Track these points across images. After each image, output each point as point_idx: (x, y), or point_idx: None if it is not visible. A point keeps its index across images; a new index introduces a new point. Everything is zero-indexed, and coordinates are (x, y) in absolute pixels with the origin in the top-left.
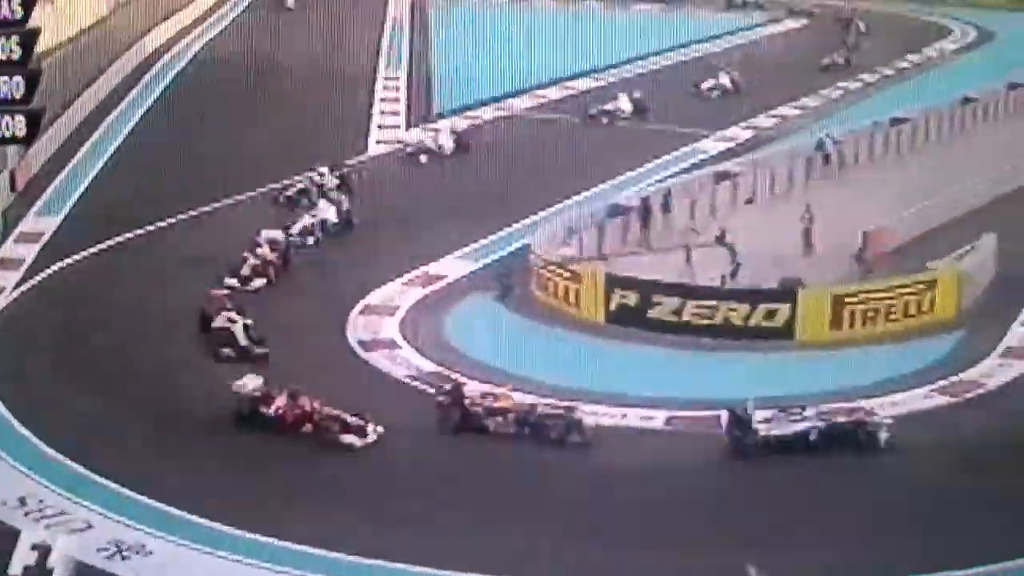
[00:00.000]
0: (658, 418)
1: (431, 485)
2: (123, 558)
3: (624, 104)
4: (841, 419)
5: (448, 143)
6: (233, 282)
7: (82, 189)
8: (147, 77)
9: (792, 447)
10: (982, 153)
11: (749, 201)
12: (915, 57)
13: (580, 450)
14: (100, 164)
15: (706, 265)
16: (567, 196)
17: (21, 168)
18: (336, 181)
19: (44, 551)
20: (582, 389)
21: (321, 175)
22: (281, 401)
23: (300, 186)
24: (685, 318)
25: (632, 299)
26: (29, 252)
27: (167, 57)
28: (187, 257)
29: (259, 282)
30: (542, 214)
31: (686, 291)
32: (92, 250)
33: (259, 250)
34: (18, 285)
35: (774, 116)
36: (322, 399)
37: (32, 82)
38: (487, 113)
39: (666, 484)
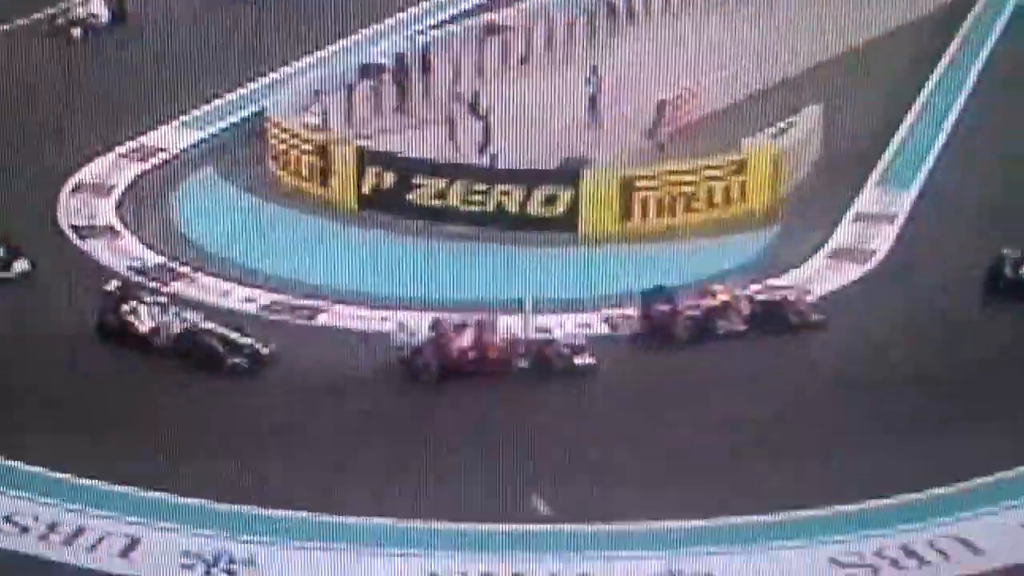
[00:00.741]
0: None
1: None
2: None
3: None
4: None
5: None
6: None
7: None
8: None
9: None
10: (802, 8)
11: (524, 60)
12: None
13: None
14: None
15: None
16: (308, 52)
17: None
18: None
19: None
20: (329, 286)
21: None
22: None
23: None
24: (450, 202)
25: (389, 179)
26: None
27: None
28: None
29: None
30: (276, 74)
31: (451, 170)
32: None
33: None
34: None
35: None
36: None
37: None
38: None
39: None
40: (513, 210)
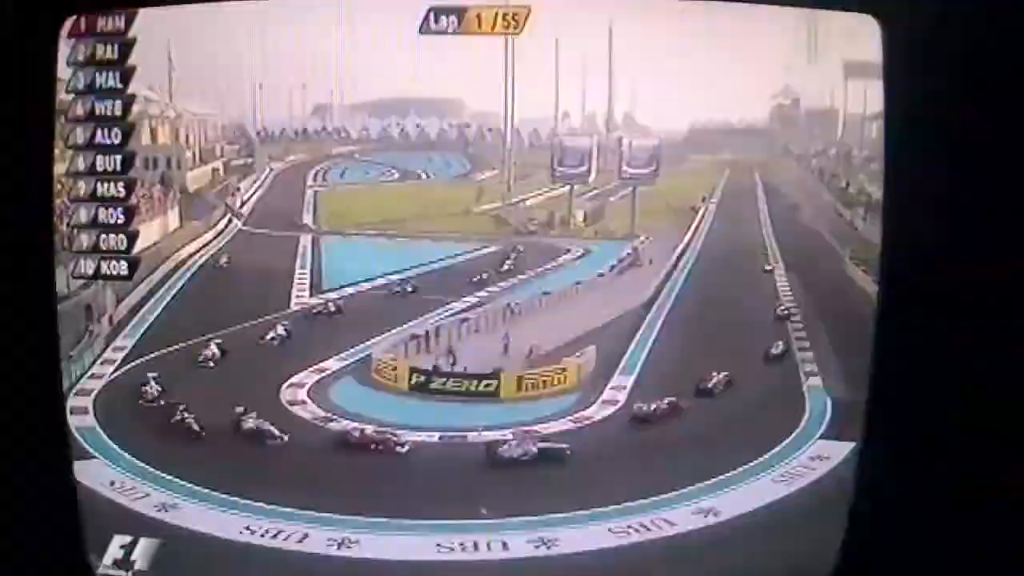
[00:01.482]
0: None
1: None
2: None
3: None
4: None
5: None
6: None
7: None
8: None
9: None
10: (587, 306)
11: (477, 330)
12: (553, 263)
13: None
14: None
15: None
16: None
17: None
18: None
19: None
20: (397, 423)
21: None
22: None
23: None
24: (447, 387)
25: (422, 378)
26: None
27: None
28: None
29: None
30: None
31: (447, 374)
32: None
33: None
34: None
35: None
36: None
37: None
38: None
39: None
40: (473, 389)
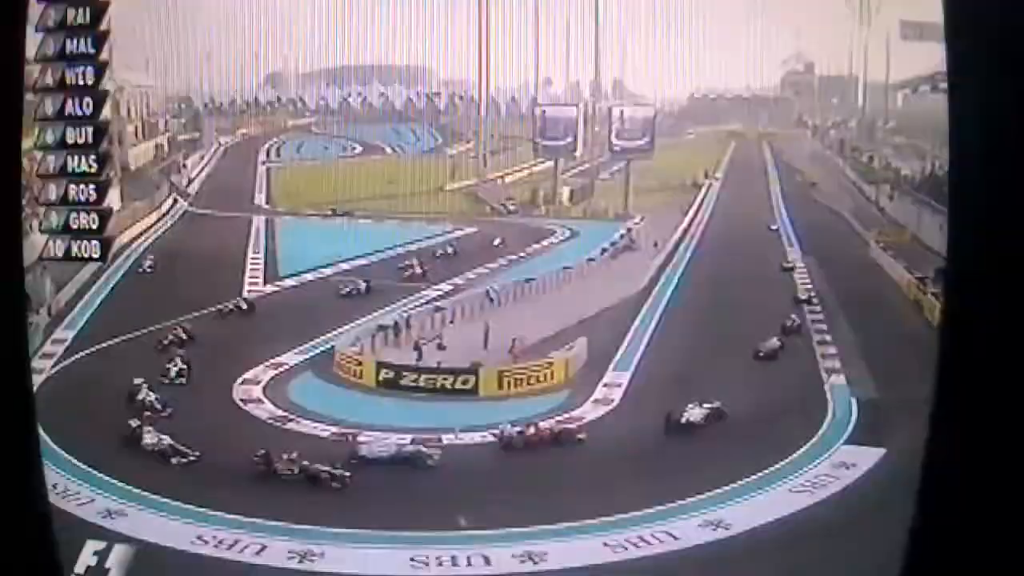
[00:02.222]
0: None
1: None
2: None
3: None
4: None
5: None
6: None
7: None
8: None
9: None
10: (576, 296)
11: (451, 321)
12: (537, 246)
13: None
14: None
15: (428, 356)
16: (349, 322)
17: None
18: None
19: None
20: (363, 423)
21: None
22: None
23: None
24: (420, 384)
25: (391, 374)
26: None
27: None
28: None
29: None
30: (341, 330)
31: (419, 369)
32: None
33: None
34: None
35: (468, 276)
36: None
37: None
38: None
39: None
40: (448, 386)
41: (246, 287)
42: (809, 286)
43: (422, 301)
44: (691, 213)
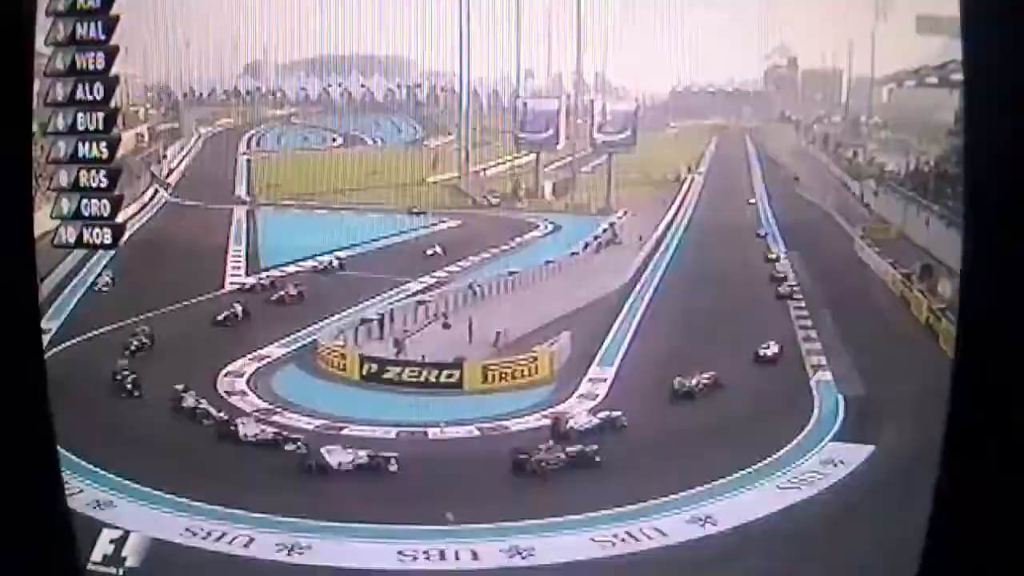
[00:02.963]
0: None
1: None
2: None
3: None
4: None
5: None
6: None
7: None
8: None
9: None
10: (559, 287)
11: (436, 316)
12: (520, 239)
13: None
14: None
15: (411, 350)
16: (335, 315)
17: None
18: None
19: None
20: (347, 417)
21: None
22: None
23: None
24: (404, 378)
25: (374, 367)
26: None
27: None
28: None
29: None
30: (324, 323)
31: (403, 363)
32: None
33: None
34: None
35: (451, 270)
36: None
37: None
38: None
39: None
40: (432, 380)
41: (228, 279)
42: (793, 282)
43: (405, 295)
44: (674, 208)
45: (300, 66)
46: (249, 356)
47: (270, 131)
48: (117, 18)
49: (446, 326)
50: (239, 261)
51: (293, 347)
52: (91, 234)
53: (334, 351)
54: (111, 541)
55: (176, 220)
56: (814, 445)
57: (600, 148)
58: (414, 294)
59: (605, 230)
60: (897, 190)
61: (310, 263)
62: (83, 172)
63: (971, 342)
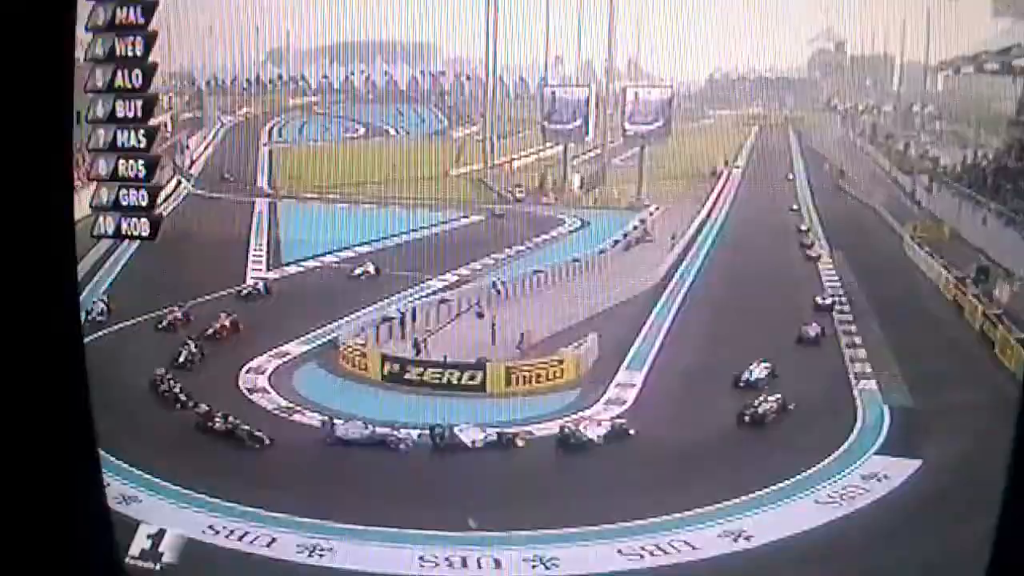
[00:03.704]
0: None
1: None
2: None
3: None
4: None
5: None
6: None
7: None
8: None
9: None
10: (586, 287)
11: (458, 315)
12: (546, 236)
13: None
14: None
15: (434, 350)
16: (358, 311)
17: None
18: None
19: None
20: (373, 419)
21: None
22: None
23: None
24: (425, 379)
25: (396, 367)
26: None
27: None
28: None
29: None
30: (343, 320)
31: (424, 363)
32: None
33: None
34: None
35: (472, 268)
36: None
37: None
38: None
39: None
40: (455, 382)
41: (249, 273)
42: (837, 284)
43: (426, 292)
44: (709, 203)
45: (323, 53)
46: (270, 353)
47: (292, 121)
48: (156, 3)
49: (480, 315)
50: (260, 255)
51: (312, 345)
52: (129, 224)
53: (355, 350)
54: (148, 536)
55: (198, 211)
56: (856, 458)
57: (631, 139)
58: (434, 292)
59: (636, 227)
60: (952, 186)
61: (330, 258)
62: (121, 161)
63: None
